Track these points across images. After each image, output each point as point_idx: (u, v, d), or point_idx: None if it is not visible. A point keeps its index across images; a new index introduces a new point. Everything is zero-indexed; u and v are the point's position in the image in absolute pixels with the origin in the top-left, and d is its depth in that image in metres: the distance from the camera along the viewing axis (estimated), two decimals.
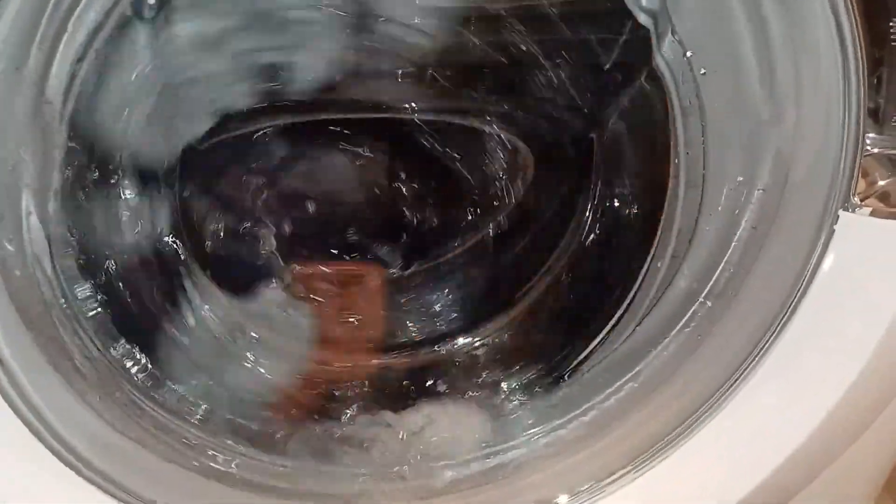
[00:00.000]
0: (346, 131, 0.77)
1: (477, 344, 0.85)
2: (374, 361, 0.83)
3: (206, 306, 0.77)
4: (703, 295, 0.64)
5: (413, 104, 0.75)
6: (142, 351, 0.64)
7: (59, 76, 0.57)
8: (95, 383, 0.58)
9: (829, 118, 0.55)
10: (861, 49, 0.52)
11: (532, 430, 0.67)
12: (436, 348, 0.85)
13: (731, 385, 0.57)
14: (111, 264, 0.67)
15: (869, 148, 0.53)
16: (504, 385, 0.77)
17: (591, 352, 0.75)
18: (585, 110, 0.77)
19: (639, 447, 0.58)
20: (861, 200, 0.54)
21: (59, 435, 0.52)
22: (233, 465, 0.61)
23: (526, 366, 0.78)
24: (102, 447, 0.54)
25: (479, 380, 0.79)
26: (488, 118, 0.78)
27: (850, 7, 0.51)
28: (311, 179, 0.81)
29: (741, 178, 0.64)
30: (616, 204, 0.79)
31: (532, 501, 0.60)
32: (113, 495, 0.53)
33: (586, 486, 0.58)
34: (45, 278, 0.58)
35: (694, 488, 0.57)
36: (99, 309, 0.63)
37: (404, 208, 0.81)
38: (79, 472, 0.52)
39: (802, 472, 0.58)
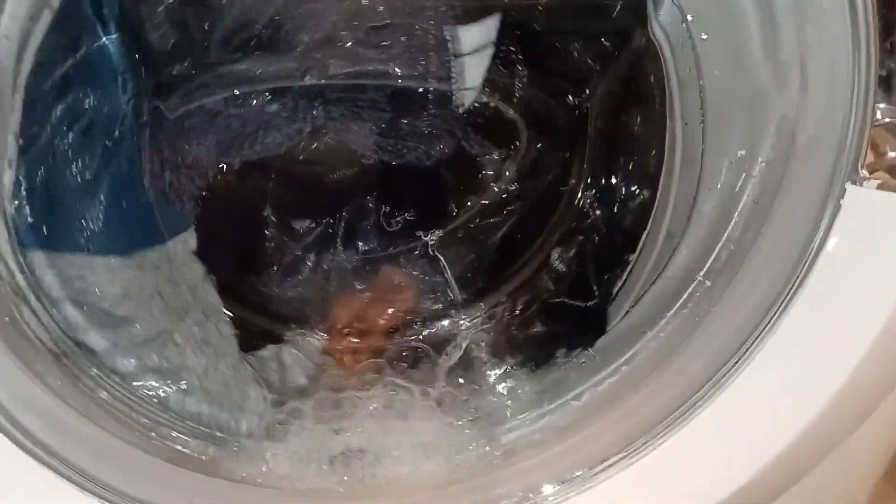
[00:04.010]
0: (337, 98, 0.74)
1: (467, 324, 0.83)
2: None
3: None
4: (702, 274, 0.62)
5: (398, 70, 0.72)
6: None
7: (11, 36, 0.54)
8: (56, 366, 0.55)
9: (836, 86, 0.52)
10: (873, 11, 0.49)
11: (522, 415, 0.66)
12: (426, 328, 0.83)
13: (731, 368, 0.55)
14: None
15: (879, 118, 0.51)
16: (495, 369, 0.75)
17: None
18: (579, 80, 0.74)
19: (632, 433, 0.56)
20: (869, 173, 0.52)
21: (14, 419, 0.49)
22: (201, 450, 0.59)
23: (519, 346, 0.76)
24: (59, 429, 0.51)
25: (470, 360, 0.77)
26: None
27: None
28: (306, 150, 0.77)
29: (743, 151, 0.61)
30: (610, 180, 0.77)
31: (519, 490, 0.58)
32: (79, 484, 0.50)
33: (577, 474, 0.56)
34: (1, 258, 0.55)
35: (690, 476, 0.55)
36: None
37: (394, 180, 0.78)
38: (38, 459, 0.49)
39: (803, 459, 0.56)
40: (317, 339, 0.81)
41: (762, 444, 0.54)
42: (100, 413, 0.56)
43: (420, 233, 0.81)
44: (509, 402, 0.69)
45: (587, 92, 0.76)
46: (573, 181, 0.79)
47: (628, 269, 0.74)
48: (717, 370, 0.55)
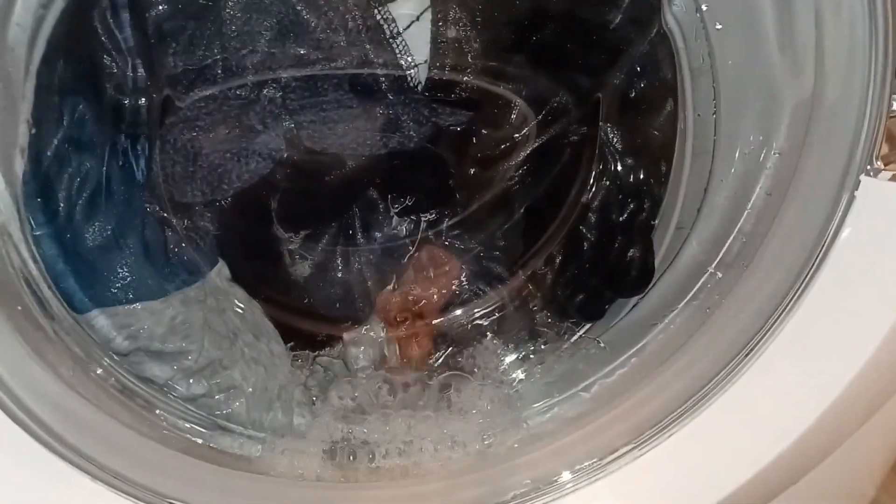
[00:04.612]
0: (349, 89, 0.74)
1: (477, 315, 0.83)
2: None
3: None
4: (713, 265, 0.62)
5: (411, 60, 0.71)
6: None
7: (23, 22, 0.53)
8: (68, 356, 0.55)
9: (852, 76, 0.52)
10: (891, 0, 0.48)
11: (533, 406, 0.65)
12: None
13: (742, 361, 0.54)
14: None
15: (895, 109, 0.50)
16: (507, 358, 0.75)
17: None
18: (591, 70, 0.74)
19: (643, 424, 0.56)
20: (884, 164, 0.51)
21: (27, 408, 0.49)
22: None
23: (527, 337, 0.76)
24: (70, 418, 0.51)
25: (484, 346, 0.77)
26: (492, 77, 0.74)
27: None
28: (322, 138, 0.77)
29: (756, 141, 0.61)
30: (619, 169, 0.76)
31: (529, 479, 0.58)
32: (91, 473, 0.50)
33: (587, 464, 0.56)
34: (12, 245, 0.54)
35: (701, 467, 0.55)
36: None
37: (402, 172, 0.78)
38: (51, 448, 0.49)
39: (814, 451, 0.56)
40: (376, 333, 0.81)
41: (773, 436, 0.53)
42: (111, 403, 0.56)
43: (437, 211, 0.81)
44: (520, 391, 0.69)
45: (599, 81, 0.75)
46: (583, 171, 0.79)
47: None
48: (729, 362, 0.55)
